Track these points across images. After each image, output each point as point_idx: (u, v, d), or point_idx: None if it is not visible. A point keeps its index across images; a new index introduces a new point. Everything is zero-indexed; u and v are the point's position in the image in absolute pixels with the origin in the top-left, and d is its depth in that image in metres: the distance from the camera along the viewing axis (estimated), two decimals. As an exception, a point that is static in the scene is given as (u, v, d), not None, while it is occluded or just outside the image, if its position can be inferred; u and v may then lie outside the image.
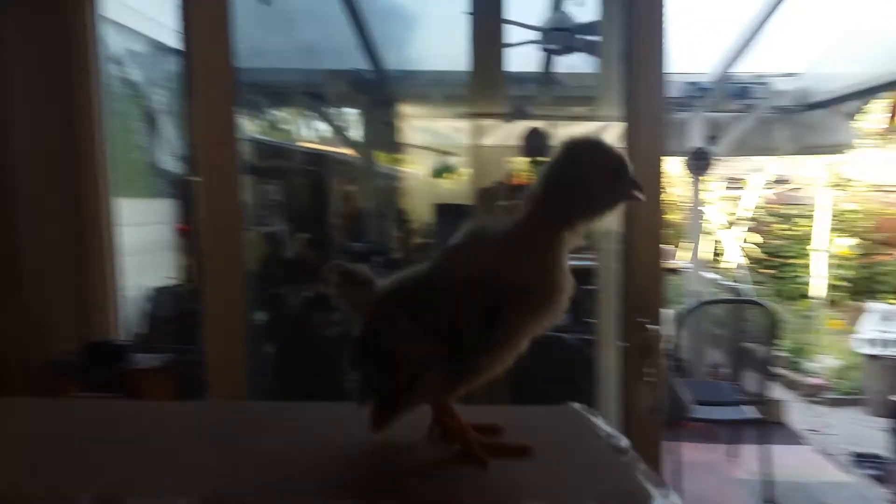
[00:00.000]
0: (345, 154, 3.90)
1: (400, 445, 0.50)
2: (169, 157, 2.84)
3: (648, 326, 1.91)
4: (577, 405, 0.57)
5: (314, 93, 3.72)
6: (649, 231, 1.90)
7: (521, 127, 3.49)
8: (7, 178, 1.78)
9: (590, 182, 0.50)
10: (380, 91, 3.77)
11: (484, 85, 2.67)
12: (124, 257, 2.42)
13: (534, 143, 3.44)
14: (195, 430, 0.59)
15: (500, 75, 2.66)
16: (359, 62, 3.57)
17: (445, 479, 0.45)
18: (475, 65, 2.48)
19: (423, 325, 0.47)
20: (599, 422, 0.53)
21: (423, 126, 4.03)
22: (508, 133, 3.74)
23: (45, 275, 2.08)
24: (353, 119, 3.98)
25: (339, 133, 3.94)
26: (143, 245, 2.65)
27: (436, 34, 3.50)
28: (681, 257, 5.33)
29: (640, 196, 0.52)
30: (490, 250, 0.48)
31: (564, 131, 3.47)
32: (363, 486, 0.44)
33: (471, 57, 2.43)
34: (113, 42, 2.81)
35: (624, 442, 0.50)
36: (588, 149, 0.51)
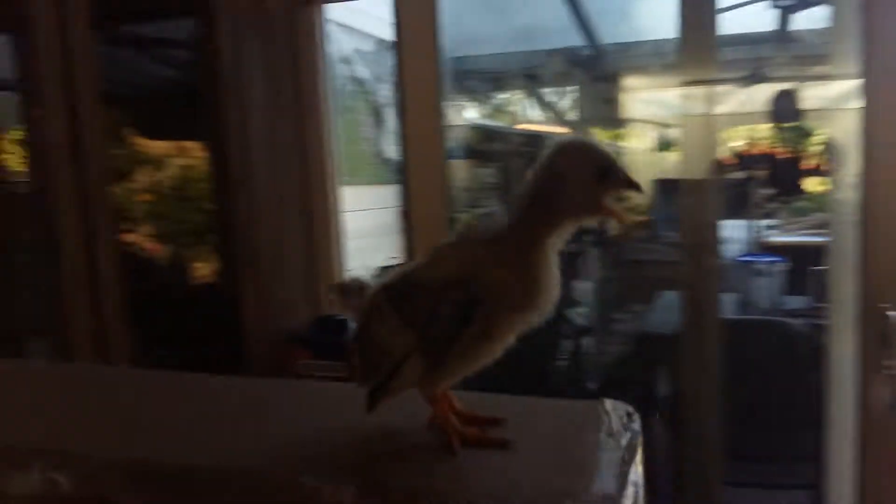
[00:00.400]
0: (563, 133, 3.89)
1: (394, 430, 0.52)
2: (392, 146, 3.06)
3: (889, 313, 1.69)
4: (609, 402, 0.54)
5: (532, 74, 3.75)
6: (894, 202, 1.68)
7: (761, 90, 3.21)
8: (248, 170, 2.05)
9: (574, 185, 0.49)
10: (597, 66, 3.70)
11: (702, 49, 2.50)
12: (354, 240, 2.65)
13: (783, 107, 3.13)
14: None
15: (716, 39, 2.47)
16: (574, 39, 3.53)
17: (418, 464, 0.46)
18: (688, 30, 2.33)
19: (404, 318, 0.50)
20: (615, 421, 0.50)
21: (644, 98, 3.89)
22: (745, 98, 3.46)
23: (281, 256, 2.36)
24: (570, 97, 3.96)
25: (557, 112, 3.94)
26: (370, 228, 2.89)
27: (652, 2, 3.35)
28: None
29: (635, 193, 0.51)
30: (472, 251, 0.51)
31: (808, 93, 3.12)
32: (333, 464, 0.46)
33: (683, 22, 2.29)
34: (343, 44, 3.07)
35: (622, 443, 0.47)
36: (572, 150, 0.51)
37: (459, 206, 3.38)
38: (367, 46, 3.11)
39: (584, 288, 3.17)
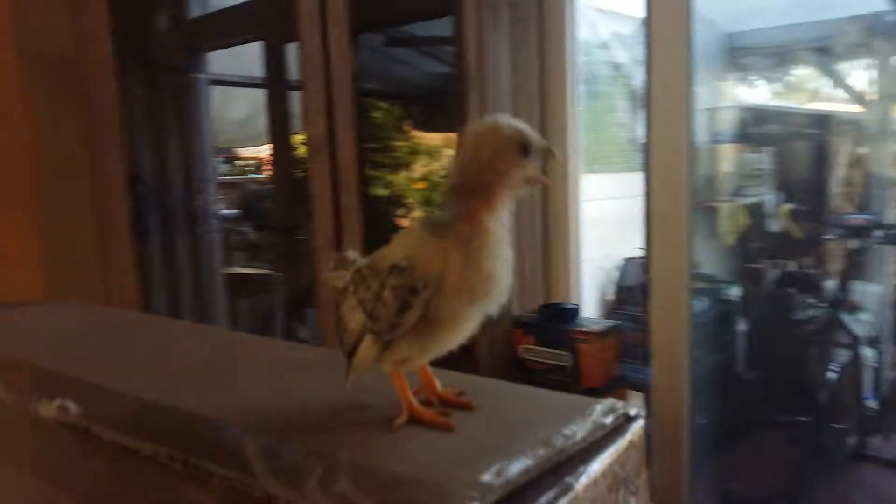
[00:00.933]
0: (855, 112, 3.38)
1: (365, 403, 0.51)
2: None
3: None
4: (613, 401, 0.48)
5: (822, 47, 3.31)
6: None
7: None
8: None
9: (499, 165, 0.49)
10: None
11: None
12: (601, 229, 2.62)
13: None
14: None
15: None
16: (876, 4, 3.04)
17: (347, 432, 0.45)
18: None
19: (358, 299, 0.51)
20: (596, 417, 0.44)
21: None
22: None
23: (519, 243, 2.42)
24: (865, 71, 3.42)
25: (849, 89, 3.43)
26: (622, 216, 2.81)
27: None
28: None
29: (556, 156, 0.52)
30: (418, 239, 0.51)
31: None
32: (293, 428, 0.47)
33: None
34: (601, 28, 3.02)
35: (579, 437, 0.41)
36: (490, 134, 0.50)
37: (723, 193, 3.13)
38: (627, 29, 3.02)
39: (870, 291, 2.75)
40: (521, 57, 2.46)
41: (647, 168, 2.20)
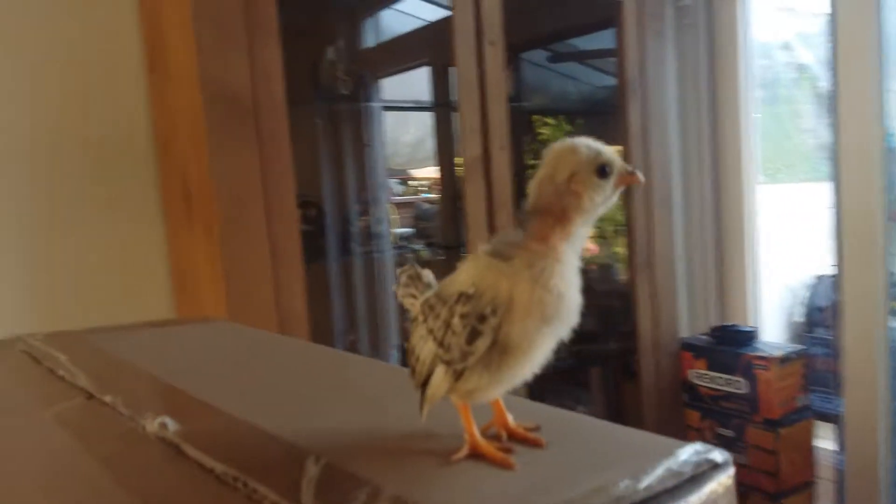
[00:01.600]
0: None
1: (441, 434, 0.48)
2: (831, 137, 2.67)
3: None
4: (706, 448, 0.41)
5: None
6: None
7: None
8: (653, 173, 2.04)
9: (573, 186, 0.48)
10: None
11: None
12: (793, 244, 2.42)
13: None
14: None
15: None
16: None
17: (403, 461, 0.42)
18: None
19: (428, 328, 0.49)
20: (673, 463, 0.38)
21: None
22: None
23: (689, 259, 2.29)
24: None
25: None
26: (812, 230, 2.58)
27: None
28: None
29: (637, 179, 0.49)
30: (485, 264, 0.47)
31: None
32: (359, 454, 0.45)
33: None
34: (781, 28, 2.80)
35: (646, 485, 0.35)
36: (567, 153, 0.48)
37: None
38: (812, 28, 2.78)
39: None
40: (688, 64, 2.35)
41: (837, 176, 2.00)
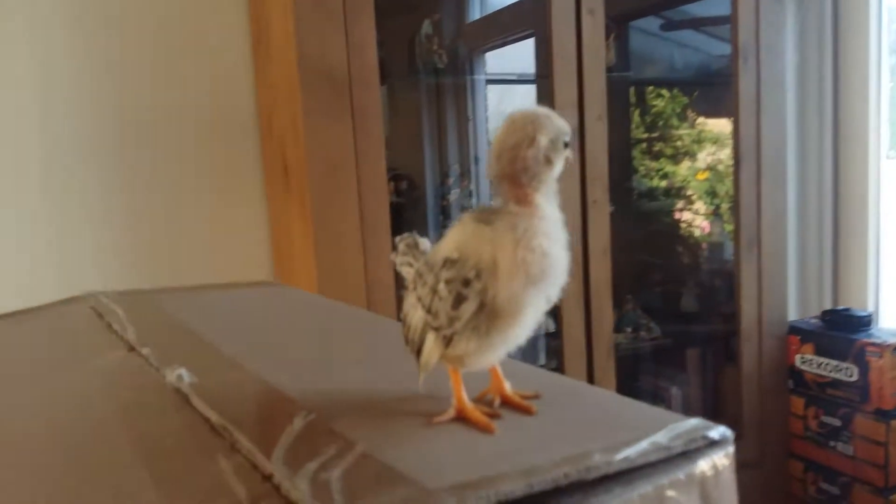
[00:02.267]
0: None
1: (440, 396, 0.48)
2: None
3: None
4: (705, 424, 0.38)
5: None
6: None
7: None
8: (758, 145, 1.93)
9: (548, 154, 0.50)
10: None
11: None
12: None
13: None
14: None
15: None
16: None
17: (404, 429, 0.42)
18: None
19: (417, 296, 0.48)
20: (661, 436, 0.35)
21: None
22: None
23: (803, 237, 2.16)
24: None
25: None
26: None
27: None
28: None
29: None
30: (470, 229, 0.47)
31: None
32: (349, 411, 0.45)
33: None
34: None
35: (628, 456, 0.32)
36: (545, 119, 0.50)
37: None
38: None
39: None
40: (810, 29, 2.18)
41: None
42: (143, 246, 1.65)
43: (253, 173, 1.74)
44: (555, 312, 1.97)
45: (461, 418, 0.46)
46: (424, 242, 0.58)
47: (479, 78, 2.33)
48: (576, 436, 0.41)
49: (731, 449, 0.39)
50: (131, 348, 0.61)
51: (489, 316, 0.47)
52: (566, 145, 0.50)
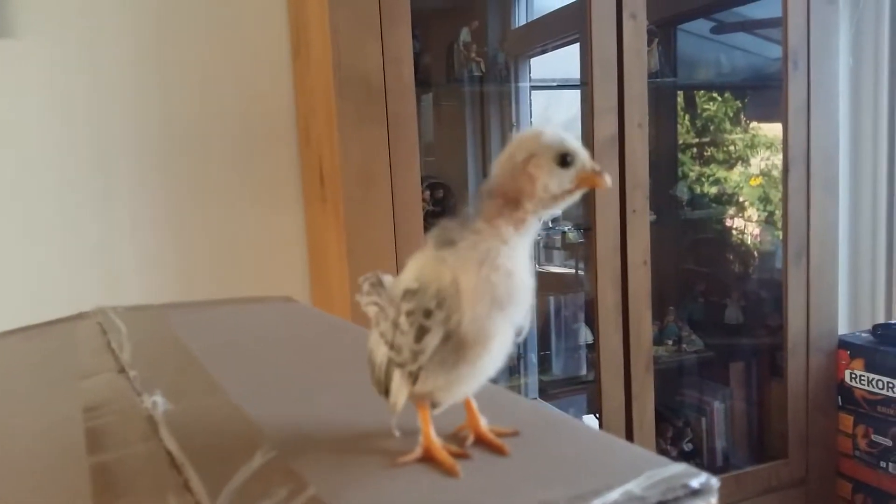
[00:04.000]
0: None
1: (412, 430, 0.46)
2: None
3: None
4: (690, 471, 0.35)
5: None
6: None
7: None
8: (807, 151, 1.87)
9: (530, 169, 0.46)
10: None
11: None
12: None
13: None
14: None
15: None
16: None
17: (363, 470, 0.40)
18: None
19: (380, 332, 0.46)
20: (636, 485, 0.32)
21: None
22: None
23: (855, 247, 2.07)
24: None
25: None
26: None
27: None
28: None
29: (602, 182, 0.45)
30: (429, 256, 0.44)
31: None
32: (312, 448, 0.44)
33: None
34: None
35: None
36: (529, 140, 0.47)
37: None
38: None
39: None
40: (865, 32, 2.10)
41: None
42: (182, 255, 1.68)
43: (292, 182, 1.76)
44: (591, 323, 1.94)
45: (428, 459, 0.45)
46: (389, 280, 0.55)
47: (524, 85, 2.31)
48: (543, 481, 0.39)
49: (713, 500, 0.37)
50: (121, 369, 0.61)
51: (455, 347, 0.45)
52: (566, 163, 0.46)
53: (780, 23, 1.91)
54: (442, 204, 1.87)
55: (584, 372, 2.06)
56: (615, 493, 0.35)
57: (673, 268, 2.27)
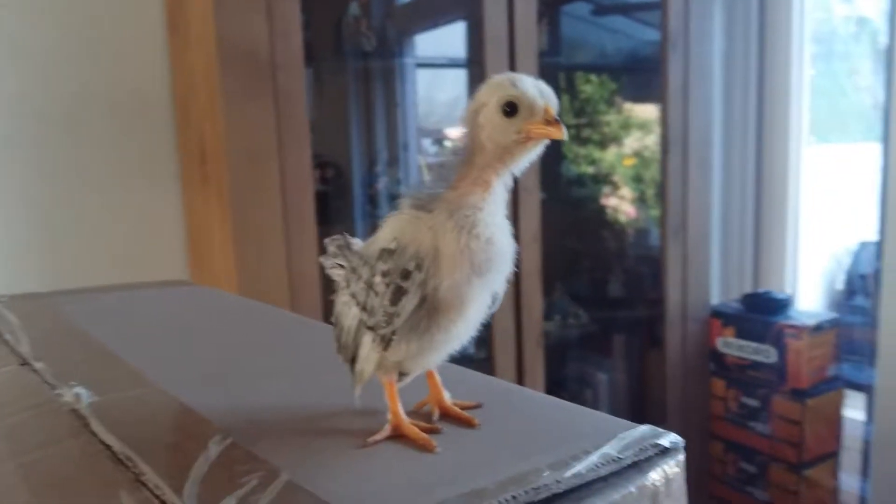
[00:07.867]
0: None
1: (376, 410, 0.45)
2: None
3: None
4: (656, 431, 0.37)
5: None
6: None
7: None
8: (691, 132, 1.96)
9: (482, 124, 0.43)
10: None
11: None
12: (843, 207, 2.30)
13: None
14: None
15: None
16: None
17: (335, 452, 0.40)
18: None
19: (350, 293, 0.45)
20: (612, 447, 0.35)
21: None
22: None
23: (726, 221, 2.20)
24: None
25: None
26: (861, 193, 2.45)
27: None
28: None
29: (552, 133, 0.43)
30: (407, 218, 0.44)
31: None
32: (274, 434, 0.43)
33: None
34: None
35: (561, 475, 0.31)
36: (484, 88, 0.44)
37: None
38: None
39: None
40: (737, 17, 2.22)
41: (887, 137, 1.89)
42: (45, 242, 1.55)
43: (166, 164, 1.66)
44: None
45: (398, 435, 0.43)
46: (357, 243, 0.53)
47: (409, 62, 2.28)
48: (521, 451, 0.38)
49: (681, 457, 0.38)
50: (24, 362, 0.56)
51: (430, 312, 0.43)
52: (508, 113, 0.43)
53: (657, 6, 1.98)
54: (333, 184, 1.82)
55: (474, 350, 2.09)
56: (594, 457, 0.35)
57: (559, 245, 2.33)
